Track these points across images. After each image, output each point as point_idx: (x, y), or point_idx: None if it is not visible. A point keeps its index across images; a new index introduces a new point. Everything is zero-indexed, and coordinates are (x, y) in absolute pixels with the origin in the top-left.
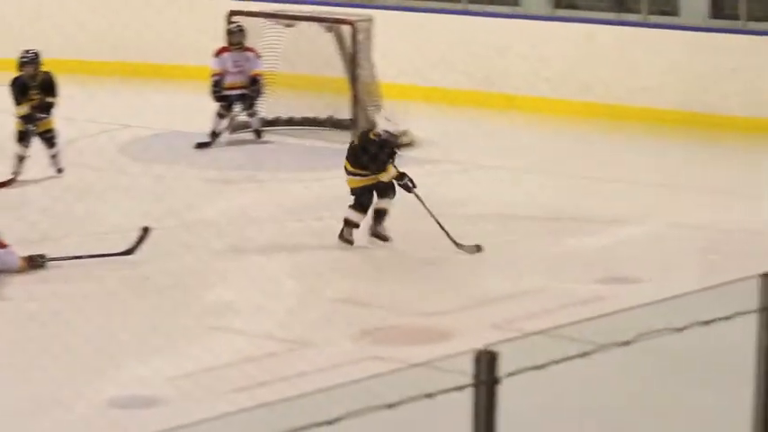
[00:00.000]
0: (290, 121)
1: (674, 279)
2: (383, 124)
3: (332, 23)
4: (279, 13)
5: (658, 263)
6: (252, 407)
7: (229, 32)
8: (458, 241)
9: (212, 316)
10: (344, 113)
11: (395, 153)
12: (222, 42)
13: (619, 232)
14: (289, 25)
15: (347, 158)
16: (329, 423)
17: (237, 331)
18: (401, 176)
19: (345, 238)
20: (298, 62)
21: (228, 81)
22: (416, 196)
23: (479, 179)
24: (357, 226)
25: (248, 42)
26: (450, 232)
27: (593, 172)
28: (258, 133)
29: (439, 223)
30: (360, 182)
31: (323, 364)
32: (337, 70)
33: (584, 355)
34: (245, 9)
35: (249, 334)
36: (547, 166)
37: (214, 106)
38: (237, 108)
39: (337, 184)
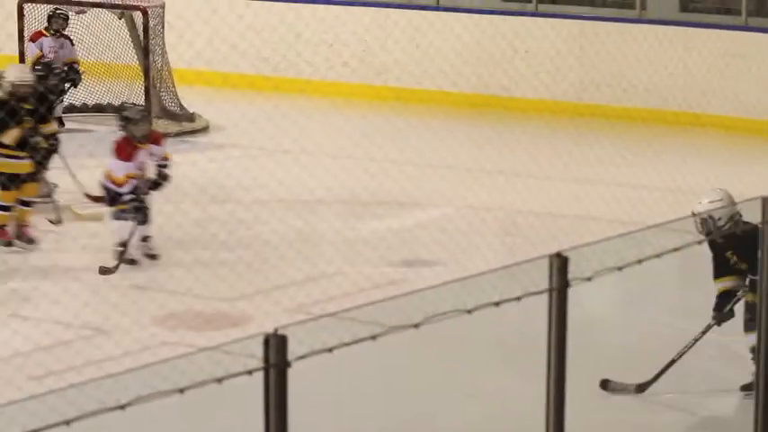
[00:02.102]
0: (85, 108)
1: (469, 261)
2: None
3: (124, 9)
4: (71, 0)
5: (454, 246)
6: (41, 393)
7: (50, 17)
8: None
9: (3, 305)
10: (137, 99)
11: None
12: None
13: (415, 216)
14: (80, 12)
15: None
16: (120, 408)
17: (29, 319)
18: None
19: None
20: (93, 49)
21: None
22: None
23: (274, 164)
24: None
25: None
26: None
27: (388, 156)
28: (60, 121)
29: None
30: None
31: (116, 351)
32: (129, 56)
33: (373, 337)
34: None
35: (41, 322)
36: (342, 151)
37: None
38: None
39: None
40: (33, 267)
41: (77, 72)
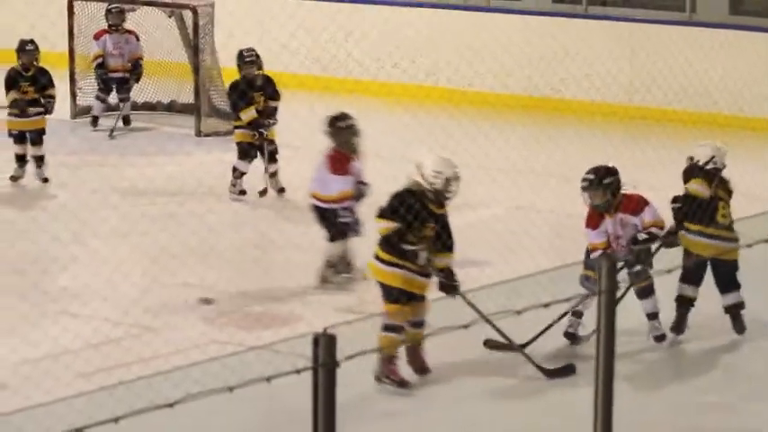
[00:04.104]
0: (135, 105)
1: (518, 262)
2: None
3: (173, 8)
4: None
5: (503, 246)
6: (92, 391)
7: (107, 13)
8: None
9: (55, 302)
10: (187, 98)
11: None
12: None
13: (464, 216)
14: (130, 10)
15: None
16: (169, 406)
17: (81, 317)
18: None
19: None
20: (144, 46)
21: (111, 64)
22: None
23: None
24: None
25: (100, 27)
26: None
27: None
28: (126, 120)
29: None
30: None
31: (166, 349)
32: (179, 55)
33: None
34: None
35: (92, 319)
36: (392, 152)
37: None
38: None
39: (179, 169)
40: (84, 265)
41: (139, 68)
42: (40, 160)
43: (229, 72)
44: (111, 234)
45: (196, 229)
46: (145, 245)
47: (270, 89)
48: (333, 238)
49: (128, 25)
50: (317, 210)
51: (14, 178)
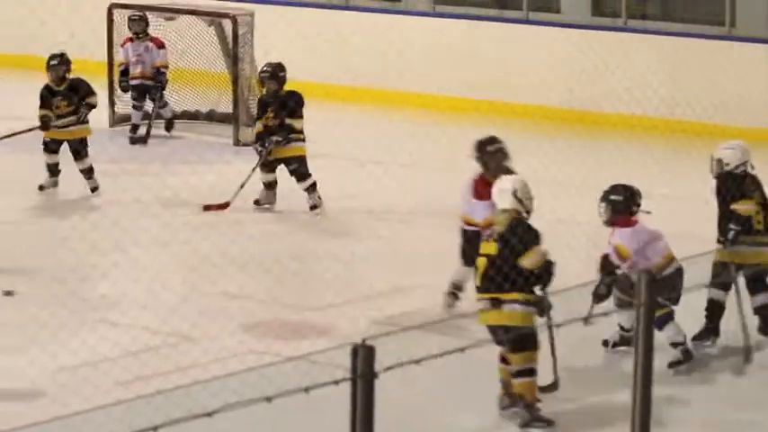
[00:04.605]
0: (174, 115)
1: (558, 275)
2: None
3: (213, 17)
4: (160, 7)
5: None
6: (130, 399)
7: (129, 21)
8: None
9: (93, 310)
10: (225, 107)
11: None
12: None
13: None
14: (169, 18)
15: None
16: (207, 415)
17: (119, 325)
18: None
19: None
20: (183, 55)
21: (131, 72)
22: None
23: (364, 175)
24: None
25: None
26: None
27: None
28: (168, 126)
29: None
30: None
31: (204, 358)
32: (218, 64)
33: (461, 349)
34: (127, 2)
35: (130, 327)
36: (430, 163)
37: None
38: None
39: (218, 179)
40: (123, 273)
41: (161, 75)
42: (88, 172)
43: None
44: (150, 242)
45: (235, 239)
46: (184, 253)
47: (290, 106)
48: (468, 263)
49: (166, 34)
50: (465, 233)
51: (42, 188)
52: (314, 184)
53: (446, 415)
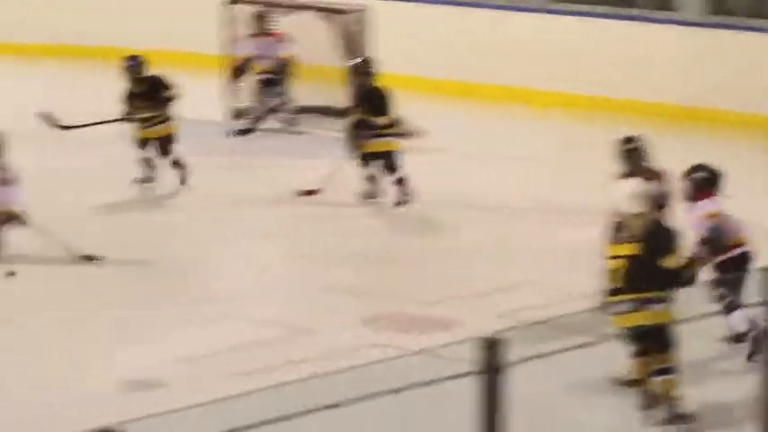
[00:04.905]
0: (289, 110)
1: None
2: None
3: (328, 12)
4: (276, 2)
5: None
6: (251, 391)
7: (252, 17)
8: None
9: (213, 301)
10: (342, 101)
11: None
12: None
13: None
14: (285, 14)
15: None
16: (333, 407)
17: (238, 317)
18: None
19: None
20: (298, 50)
21: (256, 66)
22: None
23: (475, 170)
24: None
25: (250, 30)
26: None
27: (588, 165)
28: (287, 121)
29: None
30: None
31: (323, 350)
32: (334, 59)
33: (581, 346)
34: None
35: (250, 319)
36: (541, 159)
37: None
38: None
39: (333, 171)
40: (238, 266)
41: (285, 69)
42: (176, 165)
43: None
44: (264, 235)
45: (349, 232)
46: (298, 246)
47: (377, 102)
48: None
49: (282, 28)
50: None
51: (138, 182)
52: (401, 179)
53: (576, 411)
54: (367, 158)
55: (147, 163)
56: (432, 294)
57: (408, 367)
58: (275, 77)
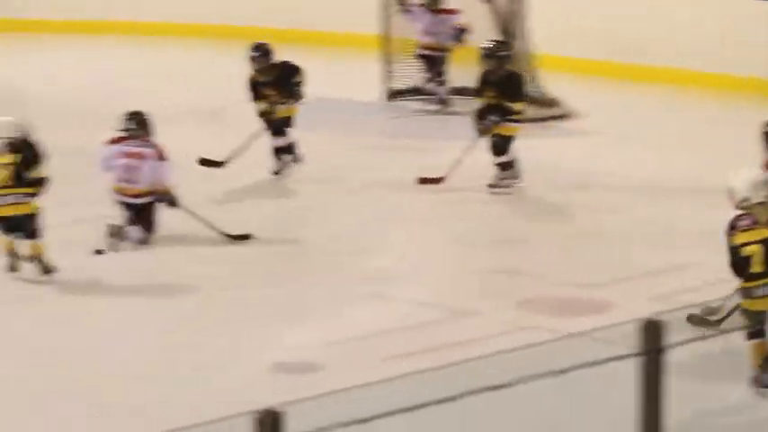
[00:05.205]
0: (447, 91)
1: None
2: None
3: None
4: None
5: None
6: (410, 373)
7: None
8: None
9: (369, 283)
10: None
11: None
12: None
13: None
14: None
15: None
16: (496, 389)
17: (394, 298)
18: None
19: None
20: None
21: (423, 42)
22: None
23: (629, 151)
24: None
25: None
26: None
27: (740, 146)
28: (444, 102)
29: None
30: None
31: (478, 333)
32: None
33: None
34: None
35: (405, 301)
36: (696, 141)
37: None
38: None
39: (485, 155)
40: (396, 247)
41: (450, 46)
42: (280, 151)
43: (542, 58)
44: (422, 217)
45: (508, 214)
46: (458, 229)
47: (508, 88)
48: None
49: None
50: None
51: (275, 172)
52: (505, 164)
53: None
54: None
55: (283, 149)
56: (583, 277)
57: (564, 349)
58: (438, 55)
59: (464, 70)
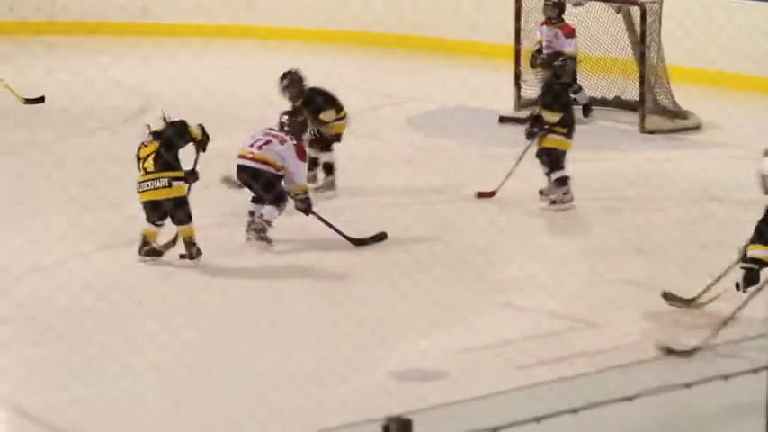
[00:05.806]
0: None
1: None
2: None
3: (622, 4)
4: None
5: None
6: (538, 383)
7: (544, 6)
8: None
9: (495, 292)
10: (631, 94)
11: None
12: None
13: None
14: (577, 4)
15: None
16: (628, 399)
17: (520, 308)
18: None
19: None
20: (584, 41)
21: (541, 54)
22: None
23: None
24: None
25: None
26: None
27: None
28: (586, 108)
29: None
30: None
31: (606, 343)
32: (625, 51)
33: None
34: None
35: (532, 311)
36: None
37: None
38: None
39: (623, 165)
40: (529, 257)
41: (561, 64)
42: (326, 167)
43: (674, 70)
44: (554, 228)
45: (640, 226)
46: (589, 239)
47: (544, 98)
48: None
49: (571, 20)
50: None
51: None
52: (558, 180)
53: None
54: (539, 154)
55: (313, 163)
56: (713, 290)
57: (692, 363)
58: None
59: (598, 80)
